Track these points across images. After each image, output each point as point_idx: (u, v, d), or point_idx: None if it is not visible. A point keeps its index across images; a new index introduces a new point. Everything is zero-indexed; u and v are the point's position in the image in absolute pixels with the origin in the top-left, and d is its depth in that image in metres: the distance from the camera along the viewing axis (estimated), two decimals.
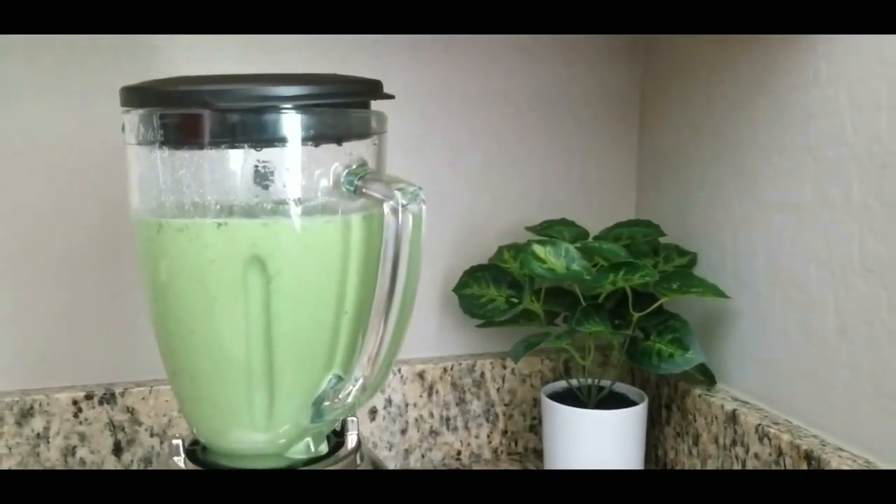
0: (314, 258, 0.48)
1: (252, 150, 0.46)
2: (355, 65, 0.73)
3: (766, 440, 0.63)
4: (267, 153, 0.47)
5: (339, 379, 0.50)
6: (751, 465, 0.65)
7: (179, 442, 0.51)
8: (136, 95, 0.47)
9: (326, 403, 0.50)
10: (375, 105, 0.51)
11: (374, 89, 0.50)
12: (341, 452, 0.53)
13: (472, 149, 0.80)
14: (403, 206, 0.45)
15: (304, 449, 0.52)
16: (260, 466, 0.51)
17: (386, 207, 0.45)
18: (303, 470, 0.51)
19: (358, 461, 0.53)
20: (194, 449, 0.53)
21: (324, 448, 0.53)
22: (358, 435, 0.54)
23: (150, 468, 0.72)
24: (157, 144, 0.47)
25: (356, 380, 0.48)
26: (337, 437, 0.54)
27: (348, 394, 0.49)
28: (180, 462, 0.51)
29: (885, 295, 0.56)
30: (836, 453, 0.58)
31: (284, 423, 0.50)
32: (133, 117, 0.48)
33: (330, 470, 0.51)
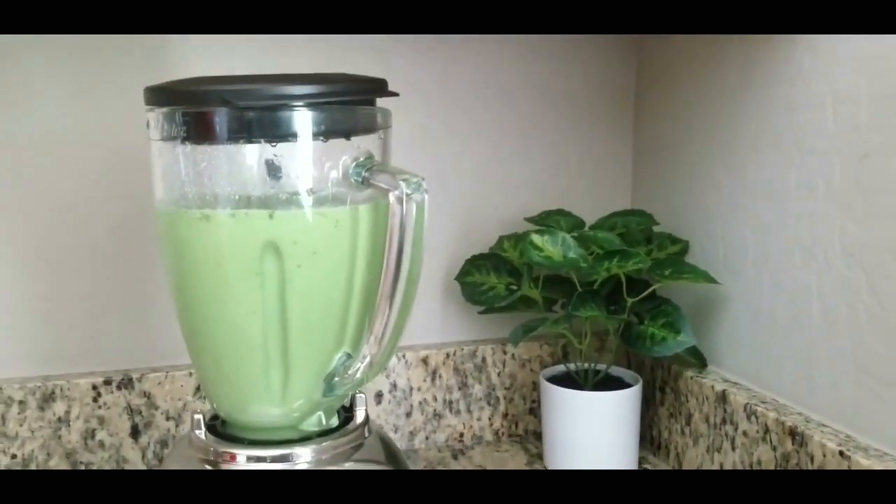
0: (325, 245, 0.51)
1: (267, 145, 0.49)
2: (362, 61, 0.75)
3: (753, 418, 0.66)
4: (281, 147, 0.50)
5: (349, 356, 0.54)
6: (739, 442, 0.68)
7: (200, 417, 0.54)
8: (159, 95, 0.50)
9: (337, 379, 0.53)
10: (381, 102, 0.54)
11: (379, 88, 0.53)
12: (350, 426, 0.56)
13: (474, 143, 0.82)
14: (408, 195, 0.48)
15: (316, 422, 0.55)
16: (275, 438, 0.54)
17: (391, 197, 0.48)
18: (312, 470, 0.53)
19: (366, 434, 0.56)
20: (214, 423, 0.56)
21: (334, 421, 0.56)
22: (366, 410, 0.57)
23: (165, 450, 0.75)
24: (180, 140, 0.50)
25: (364, 357, 0.52)
26: (346, 412, 0.57)
27: (357, 370, 0.52)
28: (201, 435, 0.54)
29: (864, 278, 0.58)
30: (819, 429, 0.61)
31: (298, 398, 0.53)
32: (157, 115, 0.51)
33: (336, 470, 0.54)
